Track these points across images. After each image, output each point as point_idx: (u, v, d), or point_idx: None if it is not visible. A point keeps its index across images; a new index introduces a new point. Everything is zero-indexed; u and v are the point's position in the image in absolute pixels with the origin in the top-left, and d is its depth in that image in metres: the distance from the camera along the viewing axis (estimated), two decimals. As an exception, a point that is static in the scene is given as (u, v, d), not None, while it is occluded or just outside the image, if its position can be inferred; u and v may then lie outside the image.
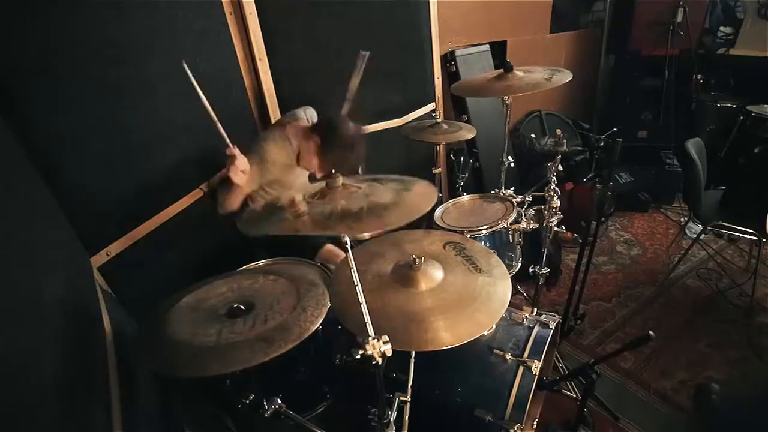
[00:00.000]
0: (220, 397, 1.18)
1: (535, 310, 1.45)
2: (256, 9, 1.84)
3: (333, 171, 1.46)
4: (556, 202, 1.74)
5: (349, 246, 0.86)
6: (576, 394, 1.73)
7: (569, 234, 1.85)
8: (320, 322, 0.97)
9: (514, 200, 1.86)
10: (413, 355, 1.20)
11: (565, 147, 1.70)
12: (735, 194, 2.42)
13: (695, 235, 2.55)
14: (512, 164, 2.04)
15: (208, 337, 0.95)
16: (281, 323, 0.97)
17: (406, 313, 0.98)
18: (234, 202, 1.54)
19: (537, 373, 1.22)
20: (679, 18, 3.16)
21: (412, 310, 0.98)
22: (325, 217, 0.81)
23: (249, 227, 0.88)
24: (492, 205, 1.88)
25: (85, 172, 1.31)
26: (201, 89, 1.68)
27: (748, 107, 2.87)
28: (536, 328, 1.35)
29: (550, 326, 1.36)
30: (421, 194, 0.93)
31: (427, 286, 1.05)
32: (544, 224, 1.79)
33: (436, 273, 1.08)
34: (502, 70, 1.75)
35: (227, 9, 1.77)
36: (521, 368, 1.24)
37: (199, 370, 0.89)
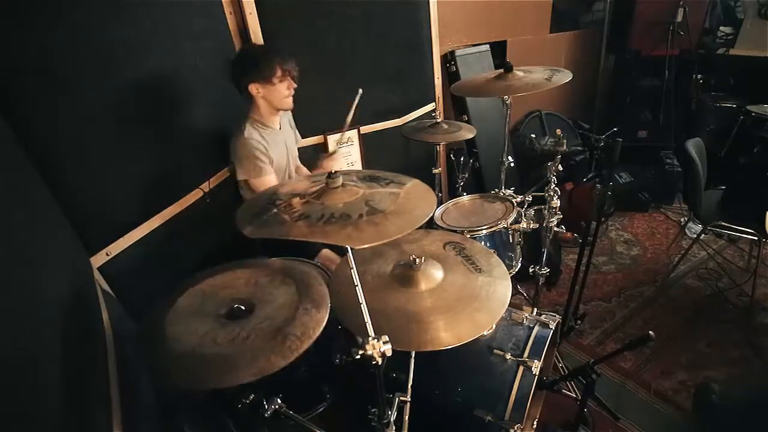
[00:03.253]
0: (220, 397, 1.18)
1: (535, 310, 1.46)
2: (256, 9, 1.84)
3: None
4: (556, 202, 1.74)
5: (349, 248, 0.85)
6: (576, 394, 1.73)
7: (569, 234, 1.84)
8: (287, 363, 0.88)
9: (514, 200, 1.86)
10: (413, 355, 1.20)
11: (565, 147, 1.70)
12: (735, 194, 2.42)
13: (695, 235, 2.55)
14: (512, 164, 2.04)
15: (191, 337, 0.94)
16: (253, 349, 0.90)
17: (406, 313, 0.98)
18: None
19: (537, 373, 1.22)
20: (679, 18, 3.16)
21: (412, 310, 0.99)
22: (323, 223, 0.80)
23: (245, 228, 0.87)
24: (492, 205, 1.88)
25: (85, 171, 1.31)
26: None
27: (748, 107, 2.86)
28: (536, 328, 1.35)
29: (550, 326, 1.36)
30: (420, 200, 0.92)
31: (427, 286, 1.05)
32: (544, 224, 1.79)
33: (436, 273, 1.08)
34: (502, 70, 1.75)
35: (227, 9, 1.77)
36: (521, 368, 1.24)
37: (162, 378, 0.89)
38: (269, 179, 1.65)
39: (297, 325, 0.97)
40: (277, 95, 1.62)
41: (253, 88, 1.60)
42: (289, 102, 1.67)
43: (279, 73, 1.58)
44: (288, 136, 1.84)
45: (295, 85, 1.65)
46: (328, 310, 1.03)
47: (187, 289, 1.09)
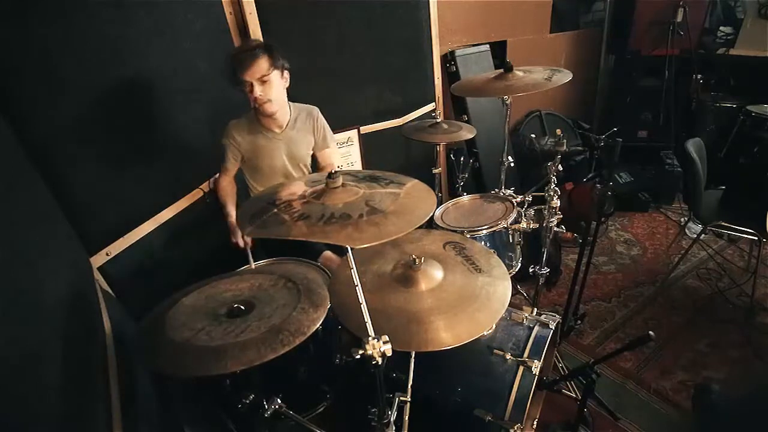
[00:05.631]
0: (220, 397, 1.18)
1: (535, 310, 1.45)
2: (256, 9, 1.84)
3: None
4: (556, 202, 1.74)
5: (349, 248, 0.85)
6: (576, 394, 1.73)
7: (569, 234, 1.84)
8: (277, 355, 0.90)
9: (514, 200, 1.86)
10: (413, 355, 1.20)
11: (565, 147, 1.70)
12: (735, 194, 2.42)
13: (695, 235, 2.54)
14: (512, 164, 2.04)
15: (186, 331, 0.96)
16: (245, 343, 0.92)
17: (406, 313, 0.98)
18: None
19: (537, 373, 1.22)
20: (679, 18, 3.16)
21: (412, 310, 0.98)
22: (323, 223, 0.80)
23: (245, 228, 0.86)
24: (492, 205, 1.88)
25: (84, 171, 1.31)
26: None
27: (748, 107, 2.86)
28: (536, 328, 1.35)
29: (550, 326, 1.36)
30: (420, 200, 0.92)
31: (427, 286, 1.05)
32: (544, 224, 1.79)
33: (436, 273, 1.08)
34: (502, 70, 1.75)
35: (227, 9, 1.77)
36: (521, 368, 1.24)
37: (152, 362, 0.92)
38: (221, 177, 1.72)
39: (292, 322, 0.98)
40: (253, 100, 1.52)
41: (238, 91, 1.53)
42: (265, 108, 1.53)
43: (242, 82, 1.47)
44: (294, 141, 1.72)
45: (257, 95, 1.49)
46: (326, 311, 1.03)
47: (193, 290, 1.12)
